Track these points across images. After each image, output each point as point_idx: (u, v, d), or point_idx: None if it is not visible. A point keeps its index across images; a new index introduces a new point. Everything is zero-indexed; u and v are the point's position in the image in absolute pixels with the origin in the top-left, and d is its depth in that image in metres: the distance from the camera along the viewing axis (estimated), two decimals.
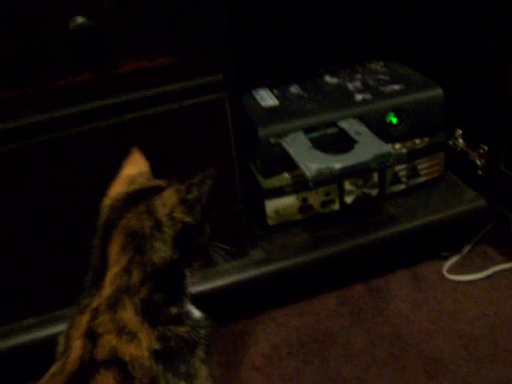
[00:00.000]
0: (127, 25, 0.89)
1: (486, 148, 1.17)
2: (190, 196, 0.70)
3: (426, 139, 1.21)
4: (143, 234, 0.68)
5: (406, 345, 1.11)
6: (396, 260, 1.30)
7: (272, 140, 1.11)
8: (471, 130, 1.21)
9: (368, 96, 1.19)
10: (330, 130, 1.14)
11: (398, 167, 1.20)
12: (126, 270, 0.67)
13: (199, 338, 0.69)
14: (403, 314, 1.18)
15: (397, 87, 1.21)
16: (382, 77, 1.27)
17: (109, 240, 0.68)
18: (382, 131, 1.13)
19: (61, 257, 1.02)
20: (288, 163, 1.09)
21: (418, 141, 1.21)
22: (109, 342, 0.63)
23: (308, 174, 1.00)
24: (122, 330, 0.64)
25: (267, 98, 1.23)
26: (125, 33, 0.89)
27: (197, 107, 0.97)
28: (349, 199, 1.20)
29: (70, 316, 1.05)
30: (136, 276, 0.67)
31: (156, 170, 0.81)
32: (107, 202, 0.73)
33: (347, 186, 1.18)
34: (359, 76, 1.29)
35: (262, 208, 1.17)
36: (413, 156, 1.20)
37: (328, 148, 1.07)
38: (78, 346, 0.64)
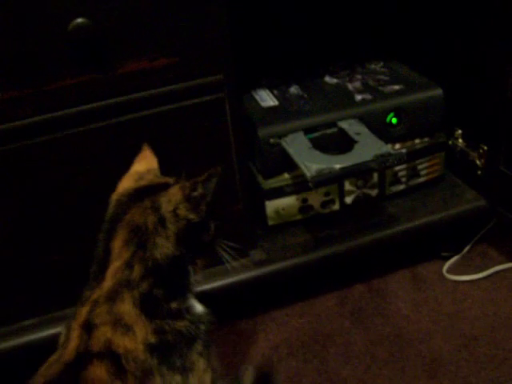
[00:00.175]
0: (127, 25, 0.89)
1: (485, 148, 1.17)
2: (195, 193, 0.70)
3: (426, 139, 1.21)
4: (146, 230, 0.68)
5: (406, 345, 1.11)
6: (396, 260, 1.30)
7: (272, 140, 1.11)
8: (471, 130, 1.21)
9: (368, 96, 1.19)
10: (330, 131, 1.14)
11: (397, 167, 1.20)
12: (128, 265, 0.67)
13: (198, 332, 0.69)
14: (403, 314, 1.18)
15: (396, 87, 1.21)
16: (382, 77, 1.27)
17: (113, 234, 0.69)
18: (382, 131, 1.14)
19: (60, 257, 1.02)
20: (288, 163, 1.09)
21: (417, 141, 1.21)
22: (104, 333, 0.64)
23: (308, 174, 1.00)
24: (117, 322, 0.65)
25: (267, 99, 1.23)
26: (124, 33, 0.89)
27: (197, 107, 0.97)
28: (349, 199, 1.20)
29: (70, 316, 1.06)
30: (137, 271, 0.67)
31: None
32: (114, 197, 0.74)
33: (347, 186, 1.18)
34: (359, 76, 1.29)
35: (262, 208, 1.17)
36: (413, 156, 1.21)
37: (328, 148, 1.07)
38: (75, 336, 0.65)
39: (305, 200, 1.17)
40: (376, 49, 1.41)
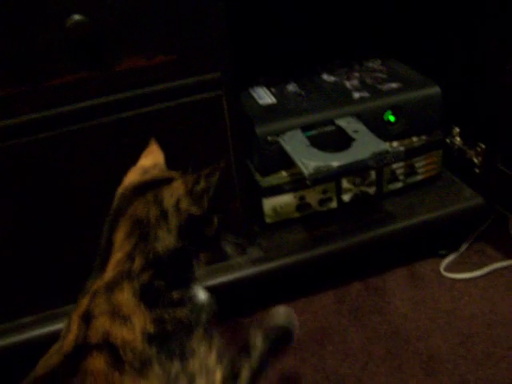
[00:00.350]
0: (125, 23, 0.89)
1: (483, 146, 1.17)
2: (197, 187, 0.70)
3: (424, 137, 1.21)
4: (148, 222, 0.69)
5: (403, 343, 1.12)
6: (394, 258, 1.30)
7: (269, 138, 1.11)
8: (468, 129, 1.21)
9: (366, 94, 1.19)
10: (328, 128, 1.14)
11: (395, 165, 1.21)
12: (129, 256, 0.68)
13: (199, 321, 0.69)
14: (401, 312, 1.18)
15: (394, 85, 1.21)
16: (380, 75, 1.27)
17: (116, 227, 0.70)
18: (380, 129, 1.14)
19: (59, 255, 1.02)
20: (286, 161, 1.09)
21: (415, 139, 1.21)
22: (102, 324, 0.64)
23: (305, 171, 1.00)
24: (116, 313, 0.65)
25: (265, 96, 1.23)
26: (122, 31, 0.89)
27: (194, 105, 0.97)
28: (346, 197, 1.20)
29: (68, 314, 1.05)
30: (138, 262, 0.67)
31: None
32: (119, 190, 0.75)
33: (345, 184, 1.18)
34: (357, 74, 1.29)
35: (260, 206, 1.17)
36: (410, 154, 1.21)
37: (325, 146, 1.07)
38: (74, 327, 0.65)
39: (302, 198, 1.17)
40: (374, 47, 1.41)
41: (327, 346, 1.13)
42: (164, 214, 0.69)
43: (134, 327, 0.64)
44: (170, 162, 0.82)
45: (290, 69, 1.36)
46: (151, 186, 0.72)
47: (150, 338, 0.65)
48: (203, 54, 0.95)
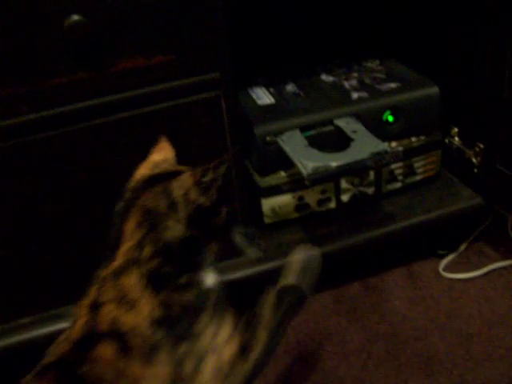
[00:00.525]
0: (123, 23, 0.89)
1: (481, 146, 1.17)
2: (205, 179, 0.72)
3: (423, 137, 1.21)
4: (158, 213, 0.70)
5: (402, 343, 1.12)
6: (392, 258, 1.30)
7: (268, 138, 1.11)
8: (467, 129, 1.21)
9: (364, 94, 1.19)
10: (327, 128, 1.14)
11: (394, 165, 1.21)
12: (139, 245, 0.69)
13: (206, 304, 0.70)
14: (399, 312, 1.18)
15: (393, 85, 1.21)
16: (379, 75, 1.27)
17: (126, 218, 0.71)
18: (379, 129, 1.13)
19: (59, 255, 1.02)
20: (284, 161, 1.09)
21: (414, 139, 1.21)
22: (110, 312, 0.65)
23: (304, 172, 1.00)
24: (122, 298, 0.66)
25: (263, 96, 1.23)
26: (121, 31, 0.89)
27: (193, 105, 0.97)
28: (345, 197, 1.20)
29: (68, 314, 1.05)
30: (147, 250, 0.68)
31: None
32: (130, 184, 0.76)
33: (343, 184, 1.18)
34: (355, 74, 1.29)
35: (259, 206, 1.17)
36: (409, 154, 1.20)
37: (324, 146, 1.07)
38: (82, 315, 0.66)
39: (301, 198, 1.17)
40: (373, 47, 1.41)
41: (326, 347, 1.13)
42: (173, 205, 0.71)
43: (141, 312, 0.65)
44: None
45: (288, 69, 1.36)
46: (161, 179, 0.74)
47: (157, 322, 0.65)
48: (202, 54, 0.95)
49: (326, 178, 1.14)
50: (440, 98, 1.19)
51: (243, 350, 0.72)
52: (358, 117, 1.14)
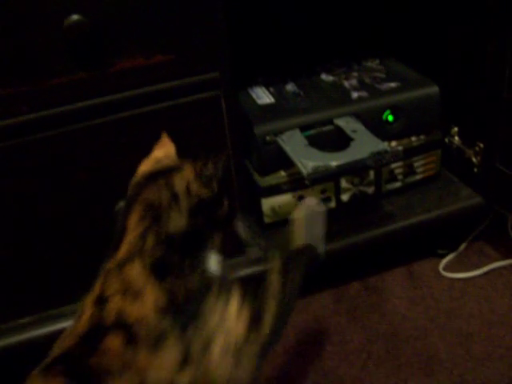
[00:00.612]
0: (122, 22, 0.89)
1: (481, 145, 1.17)
2: (205, 172, 0.74)
3: (422, 137, 1.21)
4: (160, 205, 0.71)
5: (402, 342, 1.12)
6: (392, 258, 1.30)
7: (268, 138, 1.11)
8: (467, 128, 1.21)
9: (364, 94, 1.19)
10: (326, 128, 1.14)
11: (394, 165, 1.20)
12: (141, 237, 0.70)
13: (210, 287, 0.70)
14: (399, 311, 1.18)
15: (393, 85, 1.21)
16: (378, 74, 1.27)
17: (129, 212, 0.72)
18: (379, 129, 1.13)
19: (59, 255, 1.02)
20: (284, 161, 1.09)
21: (414, 138, 1.21)
22: (115, 305, 0.65)
23: (304, 171, 1.00)
24: (127, 290, 0.66)
25: (263, 96, 1.23)
26: (120, 30, 0.89)
27: (193, 105, 0.97)
28: (345, 197, 1.20)
29: (68, 314, 1.06)
30: (150, 241, 0.69)
31: None
32: (133, 180, 0.77)
33: (343, 183, 1.18)
34: (355, 74, 1.29)
35: (259, 206, 1.17)
36: (409, 154, 1.20)
37: (324, 146, 1.07)
38: (88, 309, 0.67)
39: (301, 197, 1.17)
40: (372, 46, 1.41)
41: (326, 346, 1.13)
42: (175, 197, 0.72)
43: (146, 301, 0.66)
44: None
45: (288, 69, 1.36)
46: (162, 174, 0.75)
47: (163, 310, 0.66)
48: (202, 54, 0.95)
49: (326, 178, 1.14)
50: (440, 97, 1.19)
51: (254, 322, 0.73)
52: (358, 116, 1.14)
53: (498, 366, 1.05)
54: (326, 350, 1.12)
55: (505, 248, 1.29)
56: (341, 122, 1.13)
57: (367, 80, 1.25)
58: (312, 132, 1.13)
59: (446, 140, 1.25)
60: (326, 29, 1.45)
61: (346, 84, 1.25)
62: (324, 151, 1.05)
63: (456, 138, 1.24)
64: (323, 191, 1.18)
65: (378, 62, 1.34)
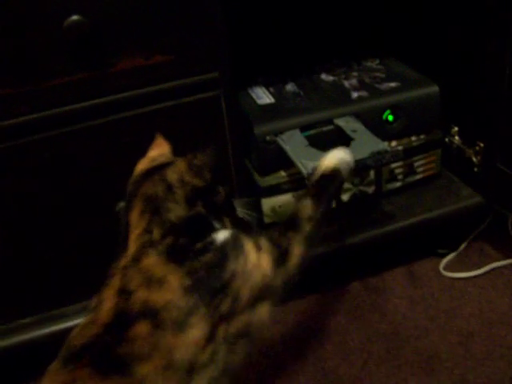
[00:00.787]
0: (122, 23, 0.89)
1: (482, 145, 1.17)
2: (196, 161, 0.78)
3: (423, 136, 1.21)
4: (157, 197, 0.75)
5: (402, 342, 1.12)
6: (392, 257, 1.30)
7: (268, 138, 1.11)
8: (467, 128, 1.21)
9: (364, 93, 1.19)
10: (327, 128, 1.14)
11: (394, 165, 1.20)
12: (147, 230, 0.73)
13: (225, 256, 0.73)
14: (400, 311, 1.18)
15: (393, 85, 1.21)
16: (378, 74, 1.27)
17: (130, 209, 0.75)
18: (379, 129, 1.13)
19: (59, 256, 1.02)
20: (284, 161, 1.09)
21: (414, 138, 1.21)
22: (141, 294, 0.67)
23: (304, 171, 1.00)
24: (150, 280, 0.68)
25: (263, 96, 1.23)
26: (120, 31, 0.89)
27: (193, 105, 0.97)
28: (345, 197, 1.20)
29: (68, 314, 1.06)
30: (157, 233, 0.72)
31: None
32: (131, 179, 0.80)
33: (344, 183, 1.18)
34: (355, 74, 1.29)
35: (259, 206, 1.17)
36: (409, 153, 1.20)
37: (324, 146, 1.07)
38: (110, 300, 0.68)
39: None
40: (372, 46, 1.41)
41: (326, 346, 1.13)
42: (170, 188, 0.75)
43: (171, 286, 0.68)
44: None
45: (288, 68, 1.36)
46: (157, 170, 0.78)
47: (189, 289, 0.68)
48: (201, 54, 0.95)
49: None
50: (440, 96, 1.19)
51: (283, 255, 0.77)
52: (358, 116, 1.14)
53: (498, 366, 1.05)
54: (327, 349, 1.12)
55: (505, 248, 1.29)
56: (341, 122, 1.13)
57: (367, 80, 1.25)
58: (312, 132, 1.13)
59: (446, 140, 1.25)
60: (326, 29, 1.45)
61: (346, 84, 1.25)
62: (324, 151, 1.05)
63: (456, 137, 1.24)
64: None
65: (377, 61, 1.34)
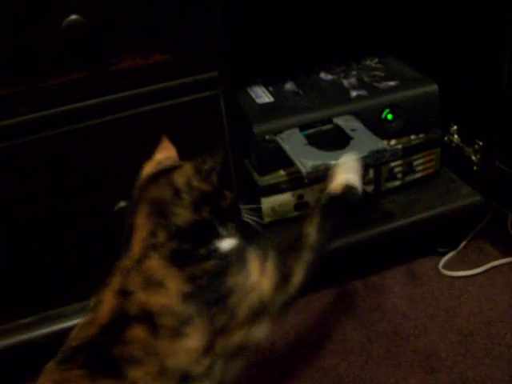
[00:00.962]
0: (121, 22, 0.89)
1: (481, 144, 1.17)
2: (204, 166, 0.77)
3: (422, 135, 1.21)
4: (164, 202, 0.75)
5: (402, 340, 1.12)
6: (392, 256, 1.30)
7: (267, 137, 1.11)
8: (467, 126, 1.21)
9: (363, 92, 1.19)
10: (326, 127, 1.14)
11: (393, 163, 1.20)
12: (152, 233, 0.72)
13: (227, 265, 0.72)
14: (400, 310, 1.18)
15: (392, 83, 1.21)
16: (377, 73, 1.27)
17: (136, 212, 0.75)
18: (378, 127, 1.13)
19: (59, 256, 1.02)
20: (284, 160, 1.09)
21: (413, 137, 1.21)
22: (140, 297, 0.67)
23: (303, 170, 1.00)
24: (149, 282, 0.68)
25: (262, 95, 1.23)
26: (118, 30, 0.89)
27: (192, 104, 0.97)
28: None
29: (68, 314, 1.06)
30: (161, 236, 0.72)
31: None
32: (137, 182, 0.80)
33: None
34: (354, 72, 1.29)
35: (258, 205, 1.17)
36: (408, 152, 1.20)
37: (323, 144, 1.07)
38: (109, 301, 0.68)
39: (300, 197, 1.17)
40: (371, 45, 1.41)
41: (326, 345, 1.13)
42: (177, 193, 0.75)
43: (169, 290, 0.68)
44: None
45: (287, 68, 1.36)
46: (164, 173, 0.78)
47: (187, 296, 0.68)
48: (200, 53, 0.95)
49: (326, 177, 1.14)
50: (439, 95, 1.19)
51: (285, 276, 0.76)
52: (357, 115, 1.14)
53: (498, 364, 1.05)
54: (326, 348, 1.12)
55: (505, 246, 1.29)
56: (340, 121, 1.13)
57: (366, 79, 1.25)
58: (311, 131, 1.13)
59: (446, 138, 1.25)
60: (325, 28, 1.45)
61: (345, 83, 1.25)
62: (323, 150, 1.06)
63: (455, 136, 1.24)
64: (323, 190, 1.17)
65: (376, 60, 1.34)
